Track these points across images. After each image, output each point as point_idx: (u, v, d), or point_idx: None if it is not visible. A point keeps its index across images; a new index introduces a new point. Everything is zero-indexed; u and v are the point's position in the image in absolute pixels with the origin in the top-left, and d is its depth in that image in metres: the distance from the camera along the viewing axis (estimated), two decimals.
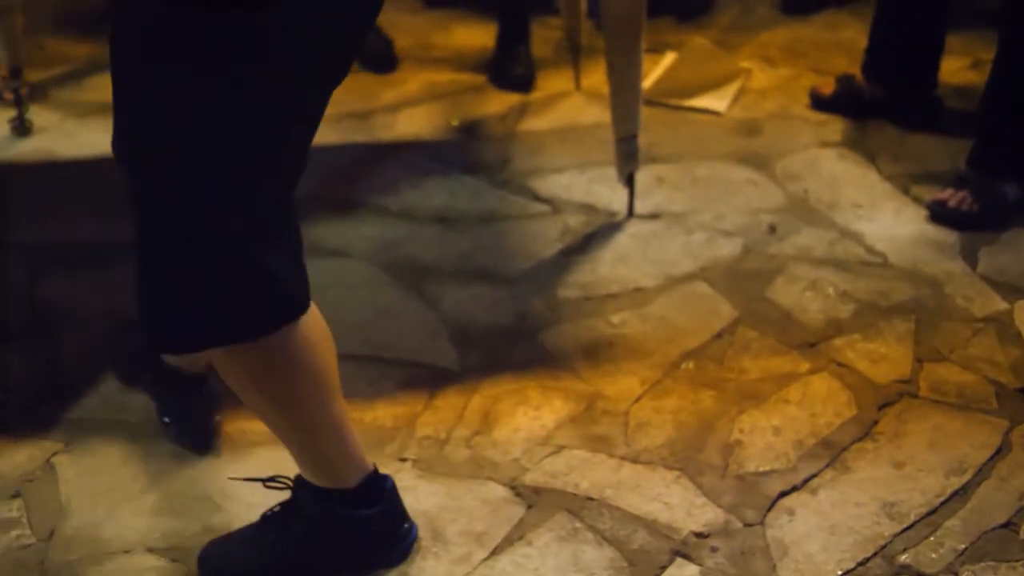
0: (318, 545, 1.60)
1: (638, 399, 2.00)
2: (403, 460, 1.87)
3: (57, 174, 2.74)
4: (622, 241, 2.43)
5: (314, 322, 1.47)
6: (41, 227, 2.49)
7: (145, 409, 1.94)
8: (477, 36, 3.30)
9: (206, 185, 1.29)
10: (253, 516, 1.66)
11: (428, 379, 2.05)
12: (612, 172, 2.53)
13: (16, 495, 1.79)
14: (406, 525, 1.68)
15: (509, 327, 2.18)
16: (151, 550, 1.69)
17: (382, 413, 1.96)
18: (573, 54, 2.96)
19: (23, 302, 2.26)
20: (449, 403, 1.99)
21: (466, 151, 2.79)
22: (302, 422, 1.53)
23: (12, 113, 2.89)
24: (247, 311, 1.37)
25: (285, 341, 1.42)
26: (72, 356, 2.11)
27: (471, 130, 2.89)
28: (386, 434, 1.92)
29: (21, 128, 2.88)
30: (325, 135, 2.83)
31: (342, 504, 1.59)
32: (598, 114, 2.88)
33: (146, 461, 1.85)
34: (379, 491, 1.62)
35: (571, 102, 2.99)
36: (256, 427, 1.77)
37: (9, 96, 2.89)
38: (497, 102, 2.99)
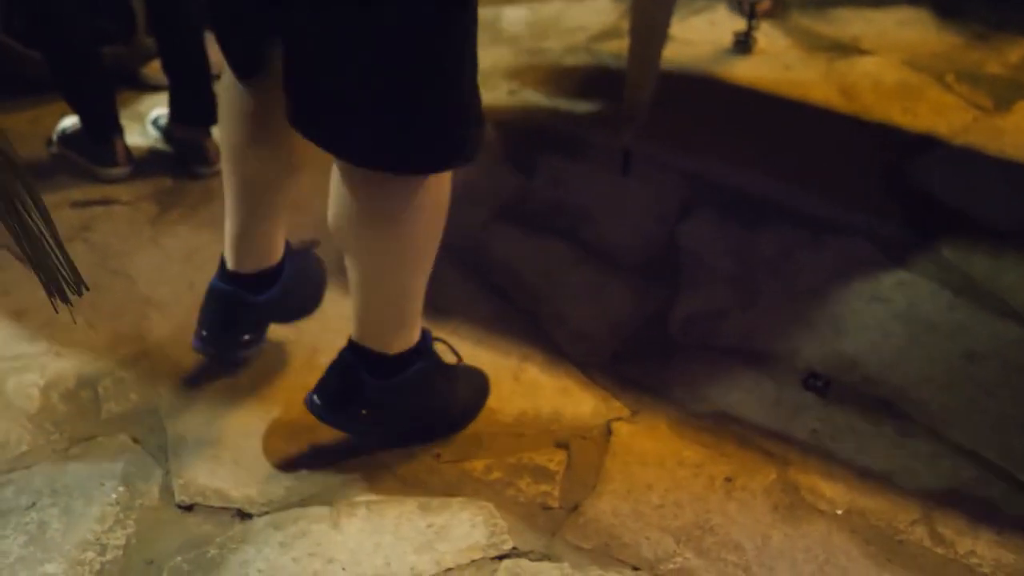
0: None
1: None
2: None
3: (751, 103, 2.56)
4: None
5: None
6: (703, 157, 2.34)
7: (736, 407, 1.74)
8: None
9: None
10: None
11: None
12: None
13: (564, 446, 1.70)
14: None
15: None
16: None
17: (983, 551, 1.54)
18: None
19: (664, 236, 2.14)
20: None
21: None
22: (421, 275, 1.56)
23: (741, 27, 2.74)
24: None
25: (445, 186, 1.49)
26: (681, 315, 1.95)
27: None
28: None
29: (744, 45, 2.73)
30: None
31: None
32: None
33: (709, 477, 1.65)
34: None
35: None
36: None
37: (746, 9, 2.74)
38: None
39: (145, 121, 2.45)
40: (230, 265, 1.74)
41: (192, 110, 2.29)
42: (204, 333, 1.76)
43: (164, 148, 2.39)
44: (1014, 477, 1.66)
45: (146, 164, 2.34)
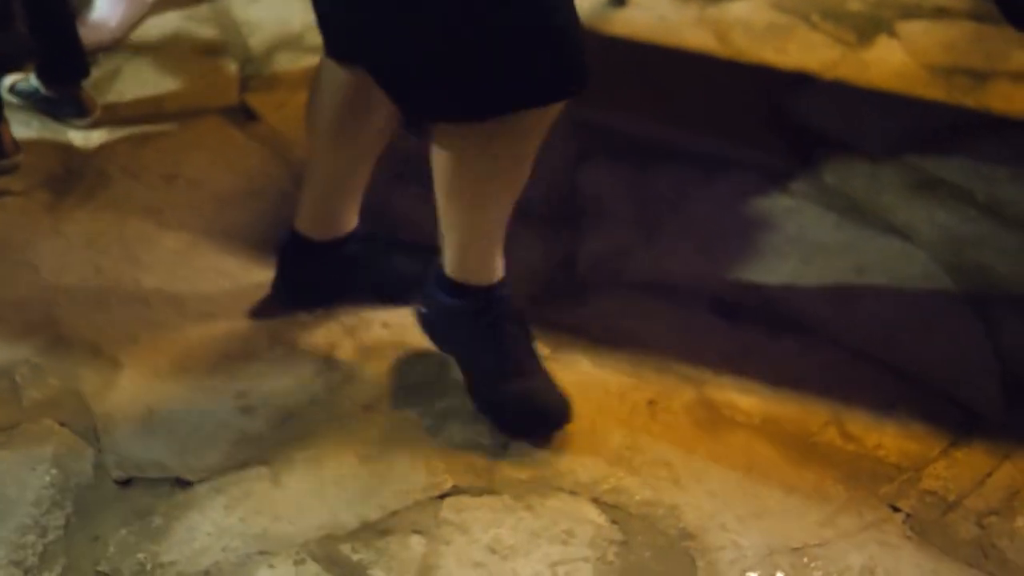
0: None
1: None
2: (895, 509, 1.58)
3: (632, 53, 2.64)
4: None
5: None
6: (593, 107, 2.40)
7: (638, 341, 1.82)
8: None
9: None
10: None
11: (955, 421, 1.72)
12: None
13: None
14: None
15: None
16: (596, 500, 1.58)
17: (888, 443, 1.67)
18: None
19: (564, 184, 2.20)
20: (972, 460, 1.66)
21: None
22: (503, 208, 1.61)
23: None
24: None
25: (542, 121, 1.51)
26: (589, 257, 2.02)
27: None
28: (885, 471, 1.63)
29: None
30: (928, 90, 2.54)
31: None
32: None
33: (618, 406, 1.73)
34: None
35: None
36: None
37: None
38: None
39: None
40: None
41: (64, 68, 2.34)
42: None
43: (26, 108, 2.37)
44: (910, 373, 1.78)
45: (34, 153, 2.30)
